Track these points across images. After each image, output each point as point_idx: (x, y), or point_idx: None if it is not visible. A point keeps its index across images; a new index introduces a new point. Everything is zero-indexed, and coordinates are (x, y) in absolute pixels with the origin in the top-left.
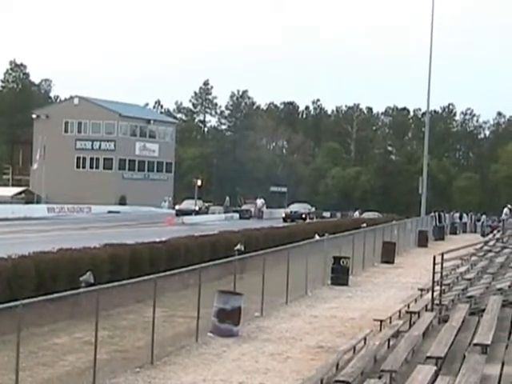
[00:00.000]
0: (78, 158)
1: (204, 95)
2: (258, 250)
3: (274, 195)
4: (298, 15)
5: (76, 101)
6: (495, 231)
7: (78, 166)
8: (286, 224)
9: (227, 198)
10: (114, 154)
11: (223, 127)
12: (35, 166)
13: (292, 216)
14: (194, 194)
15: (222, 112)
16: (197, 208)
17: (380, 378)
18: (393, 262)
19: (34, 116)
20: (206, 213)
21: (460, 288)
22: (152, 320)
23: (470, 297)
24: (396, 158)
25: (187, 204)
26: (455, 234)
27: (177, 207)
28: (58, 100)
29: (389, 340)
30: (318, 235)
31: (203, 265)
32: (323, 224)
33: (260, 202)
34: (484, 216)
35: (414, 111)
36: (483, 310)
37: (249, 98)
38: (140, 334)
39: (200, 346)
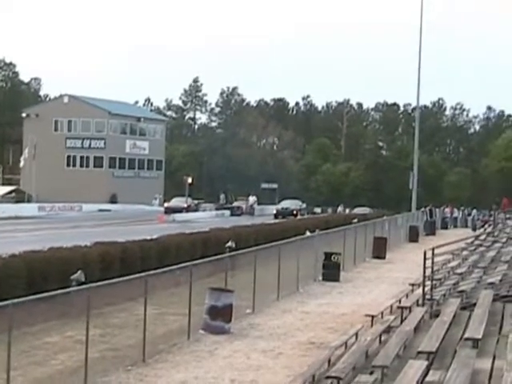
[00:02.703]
0: (69, 157)
1: (194, 92)
2: (249, 246)
3: (264, 192)
4: (287, 12)
5: (66, 99)
6: (486, 225)
7: (68, 165)
8: (277, 220)
9: (222, 195)
10: (104, 152)
11: (213, 124)
12: (22, 163)
13: (283, 212)
14: (185, 191)
15: (212, 109)
16: (185, 205)
17: (371, 373)
18: (384, 258)
19: (23, 115)
20: (196, 210)
21: (451, 282)
22: (143, 318)
23: (461, 291)
24: (386, 154)
25: (176, 201)
26: (446, 228)
27: (166, 205)
28: (48, 99)
29: (380, 335)
30: (309, 231)
31: (194, 262)
32: (314, 220)
33: (252, 198)
34: (475, 210)
35: (404, 106)
36: (474, 305)
37: (239, 94)
38: (131, 332)
39: (192, 344)
